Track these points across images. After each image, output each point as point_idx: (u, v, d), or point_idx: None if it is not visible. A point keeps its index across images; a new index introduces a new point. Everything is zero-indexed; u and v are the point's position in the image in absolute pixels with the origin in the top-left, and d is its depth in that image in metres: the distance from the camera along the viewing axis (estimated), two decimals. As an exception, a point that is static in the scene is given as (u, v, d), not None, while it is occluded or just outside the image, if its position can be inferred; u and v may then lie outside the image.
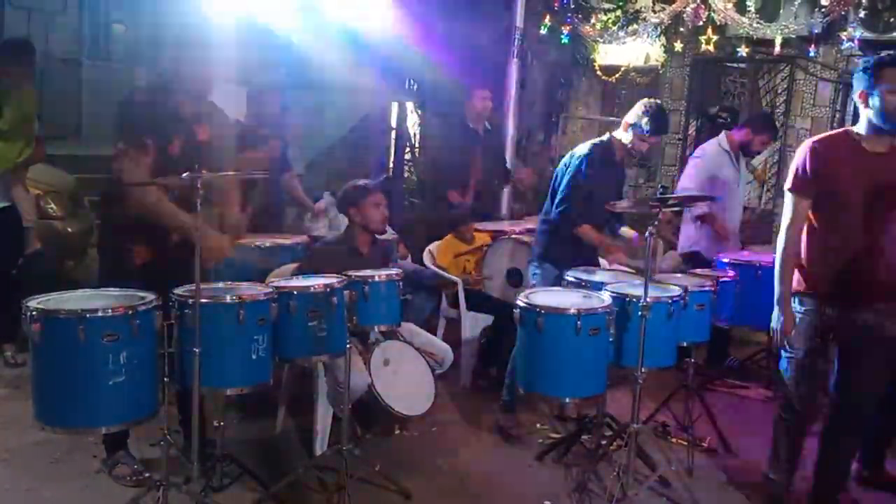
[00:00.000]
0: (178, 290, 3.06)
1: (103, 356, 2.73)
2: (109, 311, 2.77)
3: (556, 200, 4.30)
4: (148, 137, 3.31)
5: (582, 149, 4.33)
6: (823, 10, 6.03)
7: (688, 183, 5.29)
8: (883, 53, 3.17)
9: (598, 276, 4.00)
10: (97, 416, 2.83)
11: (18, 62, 4.80)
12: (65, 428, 2.91)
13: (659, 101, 4.26)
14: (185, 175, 2.91)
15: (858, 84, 3.18)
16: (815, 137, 3.34)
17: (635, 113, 4.15)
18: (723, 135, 5.47)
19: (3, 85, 4.67)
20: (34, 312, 2.72)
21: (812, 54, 6.79)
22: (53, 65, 8.90)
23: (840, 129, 3.40)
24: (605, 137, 4.35)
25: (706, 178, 5.23)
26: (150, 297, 2.92)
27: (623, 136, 4.24)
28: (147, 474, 3.48)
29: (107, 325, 2.74)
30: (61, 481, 3.52)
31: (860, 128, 3.23)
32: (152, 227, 3.33)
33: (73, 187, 6.32)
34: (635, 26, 6.79)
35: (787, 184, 3.32)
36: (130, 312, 2.80)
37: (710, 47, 6.51)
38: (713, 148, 5.39)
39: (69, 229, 6.11)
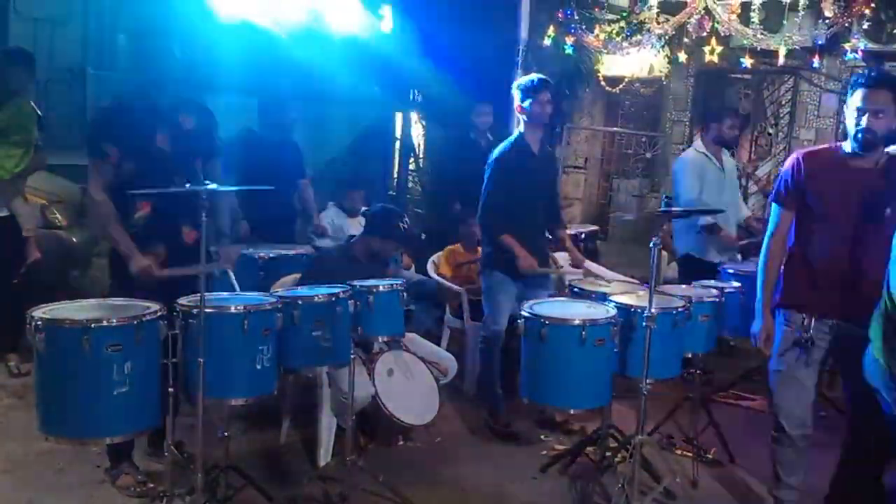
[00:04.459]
0: (183, 300, 3.05)
1: (107, 366, 2.72)
2: (114, 321, 2.76)
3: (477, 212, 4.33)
4: (108, 146, 3.29)
5: (493, 153, 4.34)
6: (827, 21, 6.04)
7: (687, 194, 5.19)
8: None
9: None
10: (101, 427, 2.82)
11: (16, 70, 4.79)
12: (68, 438, 2.90)
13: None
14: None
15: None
16: (802, 150, 3.36)
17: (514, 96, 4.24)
18: (698, 139, 5.42)
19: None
20: (39, 322, 2.72)
21: (816, 65, 6.80)
22: (58, 74, 8.94)
23: (826, 145, 3.42)
24: (514, 134, 4.32)
25: (694, 181, 5.14)
26: (155, 307, 2.92)
27: (523, 123, 4.26)
28: (151, 485, 3.46)
29: (111, 336, 2.74)
30: (65, 491, 3.51)
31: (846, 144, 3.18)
32: (165, 230, 3.34)
33: (78, 197, 6.32)
34: (639, 37, 6.79)
35: (771, 195, 3.37)
36: (135, 323, 2.79)
37: (714, 58, 6.52)
38: (690, 154, 5.34)
39: (73, 239, 6.11)
